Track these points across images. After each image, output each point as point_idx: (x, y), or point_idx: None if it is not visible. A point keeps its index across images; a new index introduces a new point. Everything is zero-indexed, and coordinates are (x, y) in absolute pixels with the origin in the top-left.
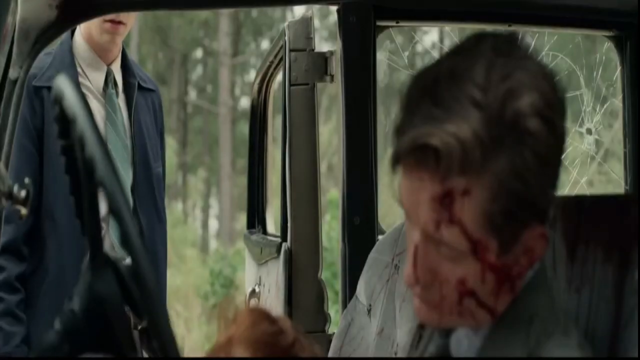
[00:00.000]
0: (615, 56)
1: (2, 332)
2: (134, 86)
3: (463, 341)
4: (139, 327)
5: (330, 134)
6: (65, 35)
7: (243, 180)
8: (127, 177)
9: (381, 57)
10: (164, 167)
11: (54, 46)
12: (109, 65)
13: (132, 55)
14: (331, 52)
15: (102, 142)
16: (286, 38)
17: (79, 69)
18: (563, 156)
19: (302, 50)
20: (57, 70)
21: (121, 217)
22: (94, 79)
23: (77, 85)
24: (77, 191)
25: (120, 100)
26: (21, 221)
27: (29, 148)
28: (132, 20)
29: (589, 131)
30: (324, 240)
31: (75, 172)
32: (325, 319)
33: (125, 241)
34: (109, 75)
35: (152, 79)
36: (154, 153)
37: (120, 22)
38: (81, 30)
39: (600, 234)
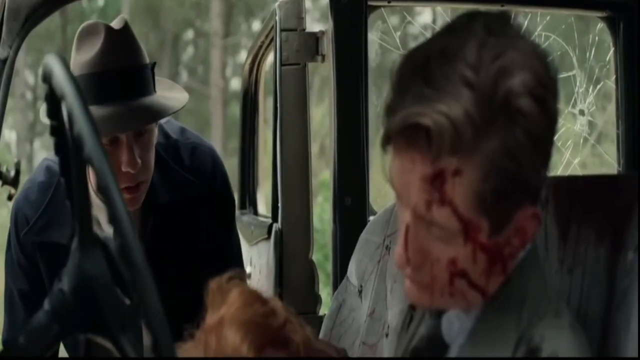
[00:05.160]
0: (608, 37)
1: None
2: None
3: (454, 322)
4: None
5: (323, 115)
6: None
7: (235, 162)
8: None
9: (373, 37)
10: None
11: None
12: None
13: None
14: (322, 32)
15: (91, 120)
16: (277, 18)
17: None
18: (555, 137)
19: (293, 30)
20: (55, 221)
21: (109, 194)
22: (107, 228)
23: (66, 64)
24: (66, 172)
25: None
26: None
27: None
28: (149, 173)
29: (582, 112)
30: (316, 222)
31: (64, 153)
32: (316, 300)
33: (113, 219)
34: None
35: (202, 169)
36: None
37: (139, 184)
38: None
39: (593, 215)
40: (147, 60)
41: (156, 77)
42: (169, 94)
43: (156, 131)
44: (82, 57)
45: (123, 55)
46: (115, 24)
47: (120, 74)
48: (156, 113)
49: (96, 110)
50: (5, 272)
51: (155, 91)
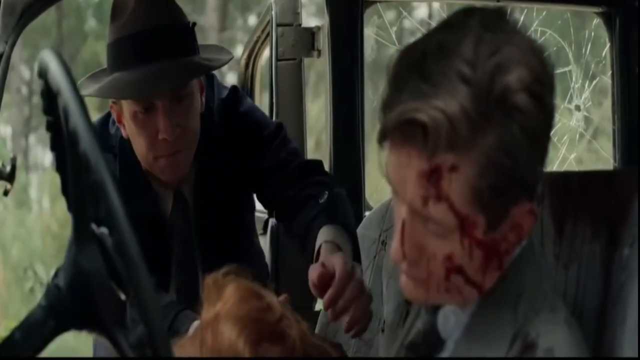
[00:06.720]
0: (604, 33)
1: None
2: (207, 205)
3: (450, 317)
4: None
5: (319, 110)
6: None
7: None
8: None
9: (369, 32)
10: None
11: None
12: (178, 186)
13: None
14: (318, 27)
15: (86, 115)
16: (273, 13)
17: None
18: (552, 132)
19: (289, 25)
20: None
21: (105, 189)
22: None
23: (62, 59)
24: (62, 168)
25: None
26: None
27: None
28: (191, 140)
29: (578, 108)
30: None
31: (60, 149)
32: (312, 295)
33: (109, 214)
34: (177, 199)
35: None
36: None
37: (177, 152)
38: (135, 151)
39: (589, 210)
40: (184, 19)
41: (206, 44)
42: (211, 55)
43: (199, 98)
44: (114, 25)
45: (153, 15)
46: None
47: (149, 34)
48: (186, 74)
49: (125, 75)
50: None
51: (196, 53)
